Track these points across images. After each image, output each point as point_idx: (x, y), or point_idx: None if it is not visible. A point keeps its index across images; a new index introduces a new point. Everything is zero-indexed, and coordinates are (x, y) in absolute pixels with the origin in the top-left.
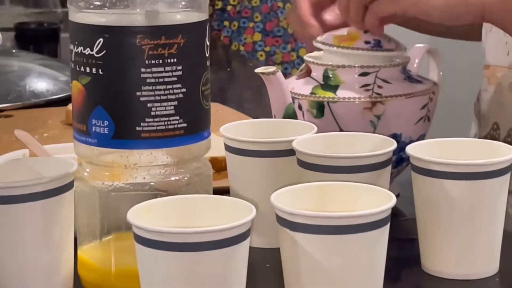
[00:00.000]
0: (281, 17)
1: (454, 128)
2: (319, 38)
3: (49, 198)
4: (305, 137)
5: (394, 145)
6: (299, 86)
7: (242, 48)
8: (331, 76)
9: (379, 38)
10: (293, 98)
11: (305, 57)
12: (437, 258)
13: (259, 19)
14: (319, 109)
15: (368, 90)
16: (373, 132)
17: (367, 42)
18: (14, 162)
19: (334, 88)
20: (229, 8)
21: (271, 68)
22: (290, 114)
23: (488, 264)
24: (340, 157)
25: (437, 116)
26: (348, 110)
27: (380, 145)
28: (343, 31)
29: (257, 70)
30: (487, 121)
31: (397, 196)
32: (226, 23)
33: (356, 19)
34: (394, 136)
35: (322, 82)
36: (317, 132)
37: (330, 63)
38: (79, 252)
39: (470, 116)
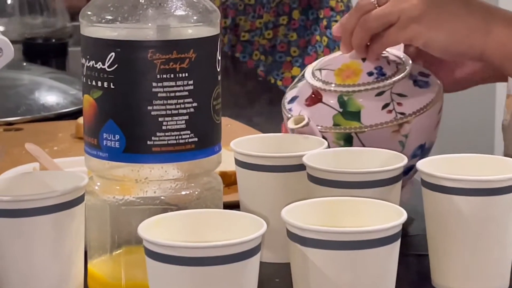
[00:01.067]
0: (319, 50)
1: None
2: (318, 75)
3: (60, 211)
4: (316, 152)
5: (404, 160)
6: (317, 116)
7: (280, 82)
8: (347, 101)
9: (379, 65)
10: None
11: (311, 82)
12: (448, 274)
13: (296, 53)
14: (347, 139)
15: (390, 111)
16: (402, 150)
17: (370, 74)
18: (25, 175)
19: (356, 116)
20: (259, 40)
21: (304, 121)
22: None
23: (498, 280)
24: (351, 172)
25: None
26: (377, 137)
27: (391, 161)
28: (338, 63)
29: (290, 126)
30: (507, 150)
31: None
32: (256, 55)
33: (360, 46)
34: (421, 147)
35: (340, 110)
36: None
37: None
38: (89, 265)
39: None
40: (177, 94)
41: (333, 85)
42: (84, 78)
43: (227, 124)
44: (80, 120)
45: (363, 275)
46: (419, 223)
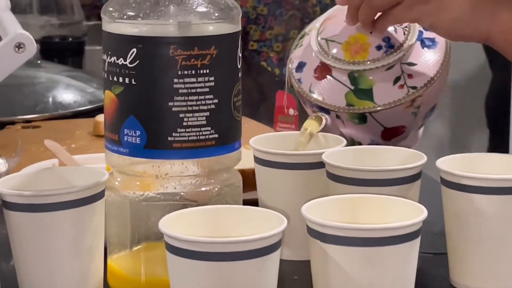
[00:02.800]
0: None
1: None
2: (324, 47)
3: (80, 207)
4: (335, 149)
5: (424, 159)
6: (328, 94)
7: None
8: (358, 78)
9: (386, 35)
10: (327, 110)
11: (319, 57)
12: (467, 273)
13: None
14: (361, 118)
15: (402, 86)
16: (415, 118)
17: (379, 48)
18: (45, 171)
19: (368, 94)
20: (268, 52)
21: (322, 123)
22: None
23: None
24: (370, 170)
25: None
26: (391, 113)
27: (410, 159)
28: (344, 34)
29: (307, 126)
30: None
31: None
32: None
33: (366, 22)
34: (432, 108)
35: (352, 87)
36: (361, 134)
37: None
38: (109, 261)
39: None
40: (198, 90)
41: (343, 62)
42: (105, 74)
43: (245, 123)
44: (98, 118)
45: (383, 272)
46: (437, 221)
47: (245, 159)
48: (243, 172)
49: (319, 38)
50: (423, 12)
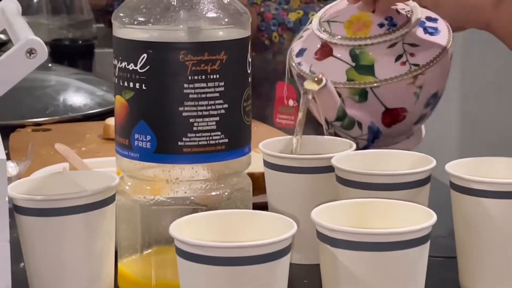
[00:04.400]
0: None
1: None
2: (326, 27)
3: (91, 211)
4: (344, 153)
5: (433, 163)
6: (329, 71)
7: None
8: (359, 54)
9: (389, 15)
10: None
11: (321, 36)
12: (476, 277)
13: None
14: (362, 94)
15: (404, 63)
16: (417, 101)
17: (381, 26)
18: (56, 175)
19: (370, 70)
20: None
21: (322, 82)
22: (341, 116)
23: None
24: (379, 174)
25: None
26: (391, 91)
27: (419, 163)
28: (346, 15)
29: (309, 87)
30: None
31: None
32: None
33: (368, 1)
34: (434, 95)
35: (353, 64)
36: (361, 114)
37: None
38: (119, 265)
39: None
40: (208, 95)
41: (344, 38)
42: (116, 79)
43: (254, 126)
44: (108, 121)
45: (392, 277)
46: (445, 225)
47: (255, 162)
48: (252, 175)
49: (320, 21)
50: None
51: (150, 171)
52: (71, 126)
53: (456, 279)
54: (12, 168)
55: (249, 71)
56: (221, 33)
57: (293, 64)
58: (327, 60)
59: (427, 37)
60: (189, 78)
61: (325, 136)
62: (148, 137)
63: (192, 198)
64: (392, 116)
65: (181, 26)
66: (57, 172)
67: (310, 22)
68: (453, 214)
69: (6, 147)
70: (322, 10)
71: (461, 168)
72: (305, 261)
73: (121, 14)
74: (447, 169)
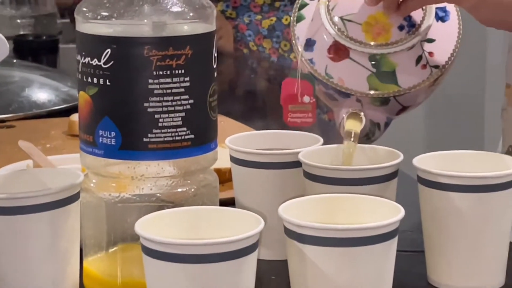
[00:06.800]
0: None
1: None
2: (341, 27)
3: (55, 209)
4: (312, 148)
5: (400, 157)
6: (348, 76)
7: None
8: (380, 59)
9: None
10: (347, 94)
11: (339, 40)
12: (444, 271)
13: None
14: (384, 101)
15: (424, 67)
16: (431, 94)
17: (401, 28)
18: (19, 173)
19: (392, 77)
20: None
21: (362, 121)
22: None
23: (495, 277)
24: (346, 169)
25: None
26: (414, 95)
27: (387, 157)
28: (362, 15)
29: (350, 128)
30: (505, 141)
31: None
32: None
33: (393, 3)
34: None
35: (373, 70)
36: (379, 114)
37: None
38: (85, 263)
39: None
40: (174, 90)
41: (364, 45)
42: (80, 75)
43: (221, 121)
44: (73, 117)
45: (361, 272)
46: (412, 219)
47: (221, 158)
48: (219, 171)
49: (332, 16)
50: None
51: (115, 168)
52: (35, 123)
53: (424, 273)
54: None
55: (214, 66)
56: (186, 28)
57: (304, 59)
58: (344, 62)
59: (440, 26)
60: (154, 73)
61: (293, 131)
62: (113, 134)
63: (158, 195)
64: (405, 109)
65: (145, 20)
66: (21, 169)
67: (308, 3)
68: (421, 209)
69: None
70: None
71: (428, 162)
72: (273, 257)
73: (84, 9)
74: (415, 163)
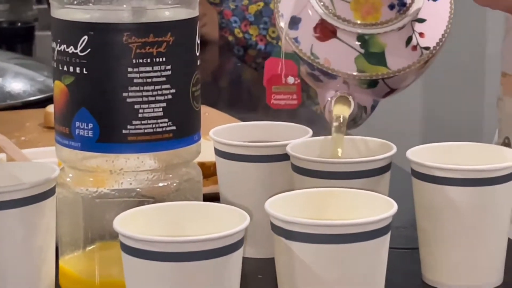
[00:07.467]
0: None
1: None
2: (327, 3)
3: (29, 205)
4: (300, 141)
5: (393, 149)
6: (335, 56)
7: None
8: (368, 40)
9: None
10: (334, 75)
11: (326, 19)
12: (439, 269)
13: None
14: (372, 84)
15: (415, 48)
16: (420, 75)
17: (391, 7)
18: None
19: (381, 59)
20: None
21: (351, 106)
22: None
23: (492, 275)
24: (337, 162)
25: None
26: (403, 77)
27: (379, 150)
28: None
29: (338, 112)
30: (501, 132)
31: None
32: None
33: None
34: None
35: (362, 51)
36: (366, 97)
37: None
38: (61, 262)
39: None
40: (154, 80)
41: (352, 24)
42: (55, 63)
43: (205, 112)
44: (49, 108)
45: (351, 270)
46: (406, 215)
47: (205, 151)
48: (203, 165)
49: None
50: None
51: (92, 162)
52: (9, 114)
53: (419, 271)
54: None
55: (197, 54)
56: (167, 13)
57: (288, 38)
58: (330, 42)
59: (431, 5)
60: (134, 61)
61: (280, 122)
62: (90, 125)
63: (138, 189)
64: (393, 91)
65: (124, 5)
66: None
67: None
68: (415, 203)
69: None
70: None
71: (423, 155)
72: (260, 255)
73: None
74: (408, 156)
